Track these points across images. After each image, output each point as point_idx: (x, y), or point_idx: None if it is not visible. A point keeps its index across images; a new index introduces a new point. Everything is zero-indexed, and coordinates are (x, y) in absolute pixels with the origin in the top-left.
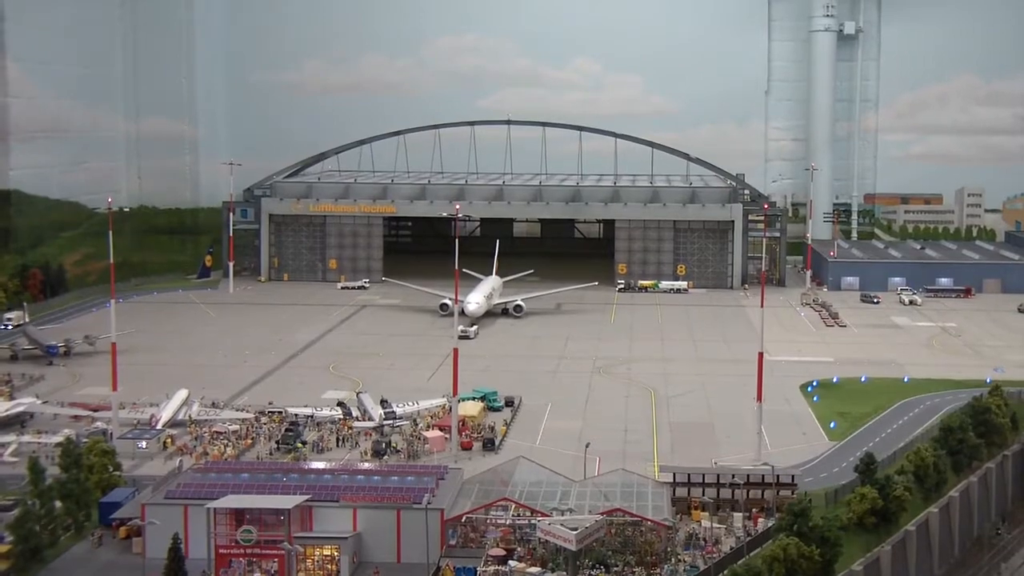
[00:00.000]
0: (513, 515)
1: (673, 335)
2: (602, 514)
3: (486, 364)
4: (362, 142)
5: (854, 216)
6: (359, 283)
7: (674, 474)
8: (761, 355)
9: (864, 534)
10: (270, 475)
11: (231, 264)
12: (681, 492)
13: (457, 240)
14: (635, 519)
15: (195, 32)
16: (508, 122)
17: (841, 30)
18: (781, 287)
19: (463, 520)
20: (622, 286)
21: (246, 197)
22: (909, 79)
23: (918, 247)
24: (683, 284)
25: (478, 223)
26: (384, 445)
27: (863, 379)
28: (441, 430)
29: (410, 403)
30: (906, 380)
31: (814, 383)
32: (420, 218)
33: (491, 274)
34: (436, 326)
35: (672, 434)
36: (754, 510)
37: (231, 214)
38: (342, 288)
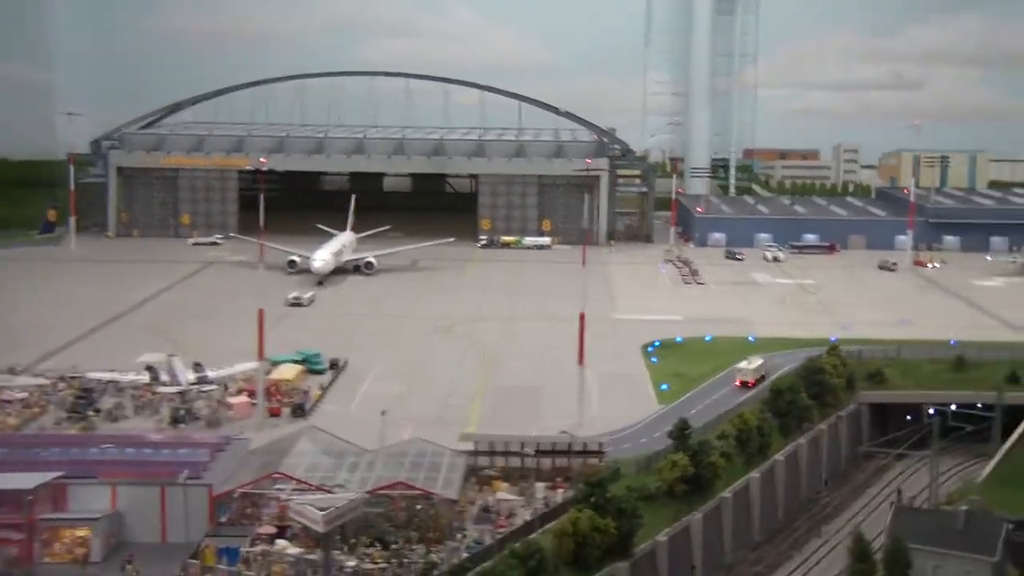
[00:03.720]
0: (291, 489)
1: (525, 292)
2: (382, 488)
3: (323, 323)
4: (219, 92)
5: (731, 171)
6: (211, 239)
7: (475, 443)
8: (583, 316)
9: (675, 503)
10: (27, 449)
11: (72, 219)
12: (485, 462)
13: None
14: (420, 493)
15: None
16: (372, 73)
17: None
18: (649, 243)
19: (235, 495)
20: (484, 242)
21: (93, 149)
22: (789, 34)
23: (787, 203)
24: (546, 240)
25: (347, 177)
26: (182, 412)
27: (707, 338)
28: (251, 395)
29: (225, 367)
30: (751, 339)
31: (656, 343)
32: (289, 172)
33: (345, 230)
34: (282, 284)
35: (497, 398)
36: (557, 479)
37: (71, 167)
38: (193, 244)
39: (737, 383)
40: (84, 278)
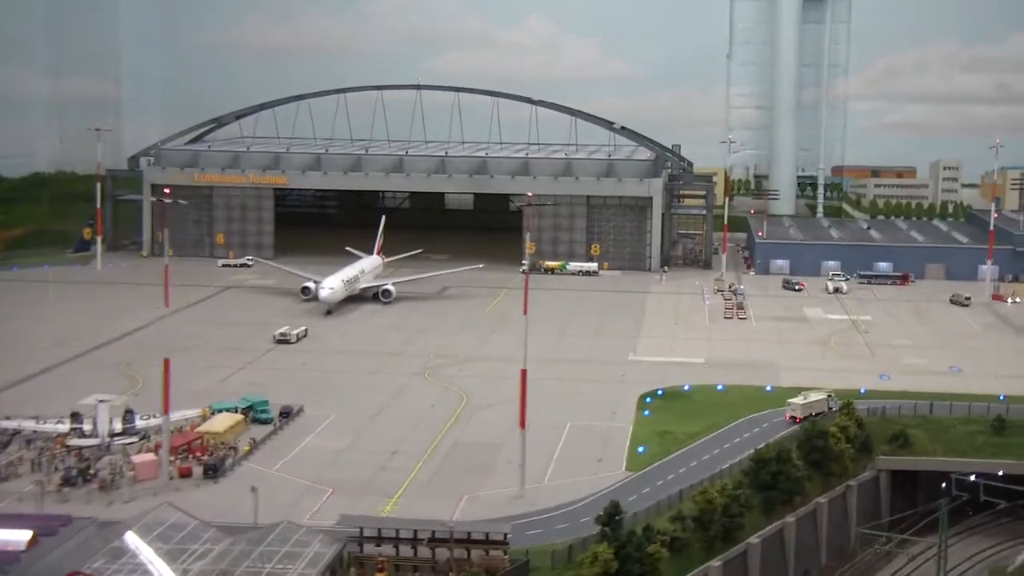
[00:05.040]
0: None
1: (544, 327)
2: None
3: (302, 363)
4: (262, 107)
5: (820, 189)
6: (241, 260)
7: (361, 528)
8: (524, 372)
9: None
10: None
11: (99, 238)
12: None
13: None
14: None
15: None
16: (418, 87)
17: None
18: (708, 270)
19: None
20: (525, 267)
21: (130, 165)
22: (883, 43)
23: (864, 227)
24: (593, 266)
25: (406, 195)
26: (76, 472)
27: (719, 387)
28: (173, 452)
29: (157, 416)
30: (769, 389)
31: (659, 392)
32: (346, 191)
33: (372, 253)
34: (290, 313)
35: (447, 458)
36: (450, 574)
37: (99, 184)
38: (223, 266)
39: (787, 417)
40: (88, 303)
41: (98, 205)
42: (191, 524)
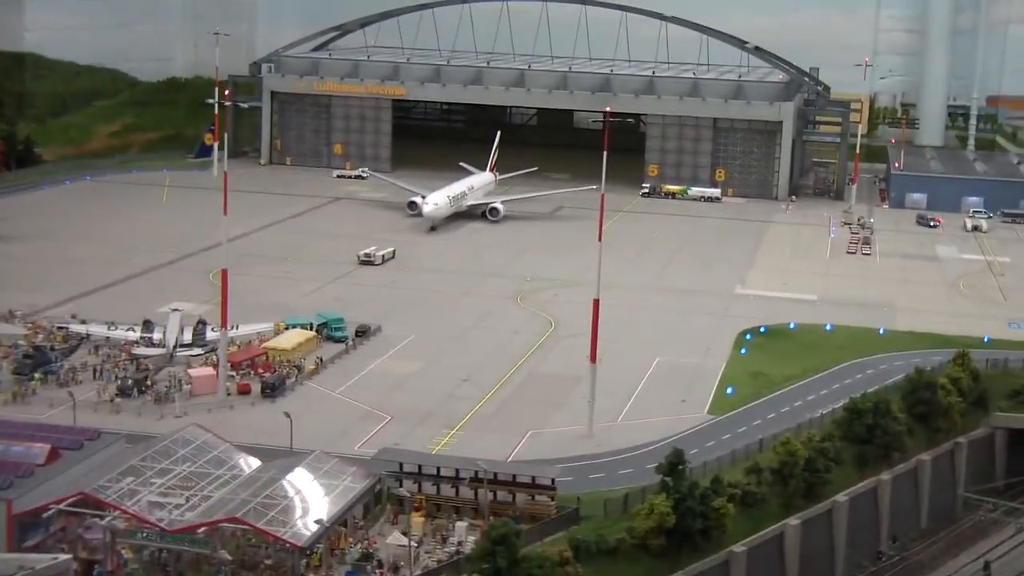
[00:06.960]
0: (112, 516)
1: (653, 254)
2: (222, 521)
3: (389, 279)
4: (386, 15)
5: (972, 121)
6: (356, 172)
7: (400, 463)
8: (597, 302)
9: (651, 561)
10: None
11: (215, 145)
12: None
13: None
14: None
15: None
16: None
17: None
18: (839, 201)
19: (45, 515)
20: (646, 190)
21: (252, 72)
22: None
23: (1015, 161)
24: (715, 192)
25: (534, 112)
26: (132, 383)
27: (828, 327)
28: (235, 367)
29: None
30: (882, 332)
31: (761, 329)
32: (473, 106)
33: (485, 170)
34: (393, 228)
35: (519, 389)
36: (490, 518)
37: (216, 89)
38: (338, 176)
39: None
40: (196, 209)
41: (215, 112)
42: (220, 447)
